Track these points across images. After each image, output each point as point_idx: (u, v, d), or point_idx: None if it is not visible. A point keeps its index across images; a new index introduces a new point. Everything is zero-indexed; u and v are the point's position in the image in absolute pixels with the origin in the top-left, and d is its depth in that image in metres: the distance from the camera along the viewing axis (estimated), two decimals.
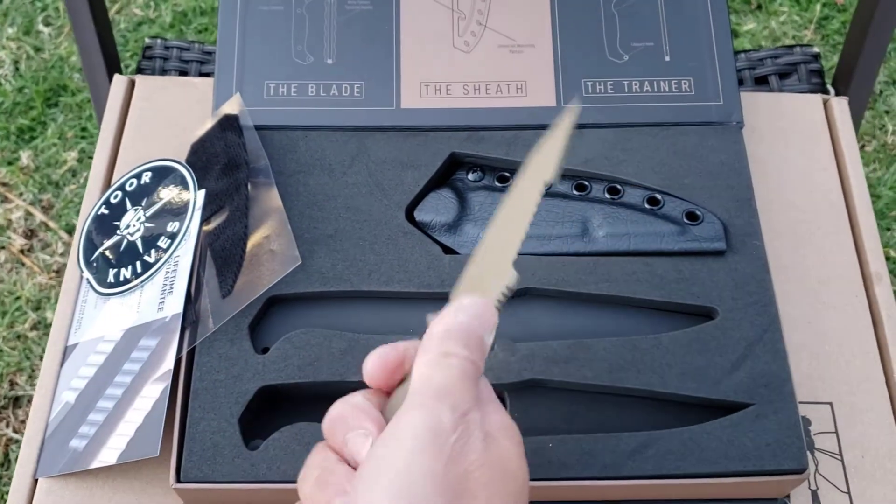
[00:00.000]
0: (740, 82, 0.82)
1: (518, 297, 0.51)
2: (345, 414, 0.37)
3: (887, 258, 1.25)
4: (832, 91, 0.79)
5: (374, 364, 0.38)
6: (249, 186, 0.51)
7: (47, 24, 1.37)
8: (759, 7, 1.46)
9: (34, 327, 1.17)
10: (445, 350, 0.36)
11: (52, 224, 1.24)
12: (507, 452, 0.35)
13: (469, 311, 0.37)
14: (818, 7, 1.44)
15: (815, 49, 0.84)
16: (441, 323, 0.37)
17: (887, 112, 1.37)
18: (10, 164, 1.27)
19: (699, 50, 0.57)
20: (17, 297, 1.19)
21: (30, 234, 1.24)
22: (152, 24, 1.37)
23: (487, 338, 0.37)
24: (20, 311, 1.18)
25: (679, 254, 0.51)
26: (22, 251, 1.22)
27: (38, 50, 1.35)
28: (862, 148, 1.35)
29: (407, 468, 0.32)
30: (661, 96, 0.56)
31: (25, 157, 1.27)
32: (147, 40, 0.80)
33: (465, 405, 0.34)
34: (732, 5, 1.45)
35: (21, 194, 1.25)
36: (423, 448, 0.32)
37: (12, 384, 1.14)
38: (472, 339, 0.36)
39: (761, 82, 0.82)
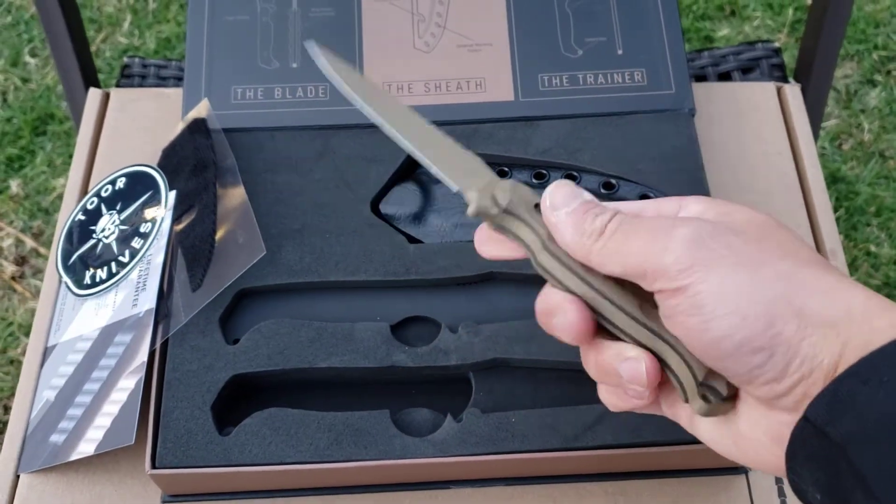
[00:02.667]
0: (704, 79, 0.84)
1: (482, 281, 0.53)
2: None
3: (867, 253, 1.27)
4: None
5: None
6: (217, 185, 0.53)
7: (34, 56, 1.40)
8: (733, 13, 1.49)
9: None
10: (591, 231, 0.36)
11: (42, 250, 1.25)
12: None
13: (559, 202, 0.37)
14: (790, 11, 1.47)
15: (776, 44, 0.86)
16: (563, 232, 0.37)
17: (863, 111, 1.40)
18: (0, 192, 1.29)
19: (650, 42, 0.60)
20: (10, 323, 1.20)
21: (21, 260, 1.26)
22: (137, 52, 1.39)
23: (587, 195, 0.38)
24: (13, 337, 1.20)
25: None
26: (13, 278, 1.24)
27: (25, 81, 1.38)
28: (839, 146, 1.37)
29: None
30: (615, 87, 0.58)
31: (15, 185, 1.29)
32: (125, 59, 0.83)
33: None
34: (707, 12, 1.48)
35: (11, 222, 1.27)
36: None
37: (6, 409, 1.15)
38: (588, 208, 0.37)
39: (724, 78, 0.84)
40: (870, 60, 1.43)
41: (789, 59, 1.35)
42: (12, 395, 1.16)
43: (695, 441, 0.47)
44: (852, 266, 1.26)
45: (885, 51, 1.44)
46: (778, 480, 0.51)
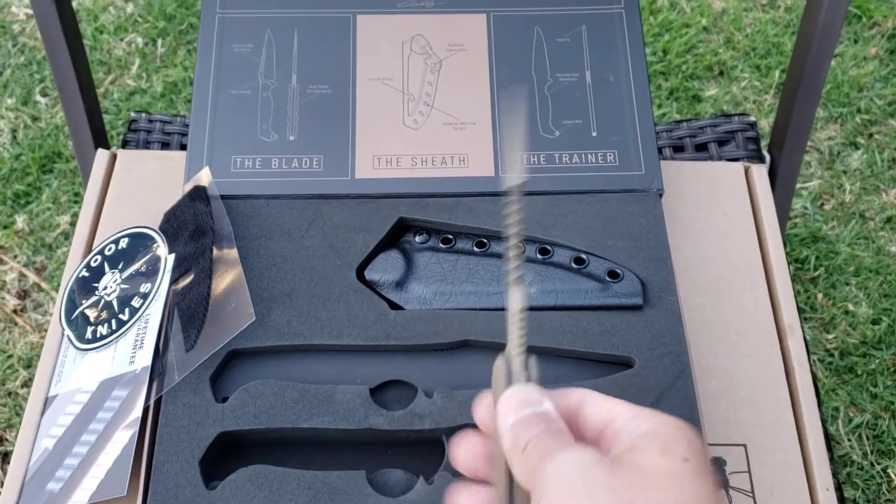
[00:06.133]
0: (682, 149, 0.88)
1: (457, 348, 0.57)
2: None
3: (846, 312, 1.30)
4: (767, 157, 0.86)
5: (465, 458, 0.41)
6: (214, 251, 0.57)
7: (44, 95, 1.45)
8: (722, 73, 1.54)
9: (25, 384, 1.22)
10: (518, 445, 0.37)
11: (44, 285, 1.29)
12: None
13: (505, 413, 0.39)
14: (777, 73, 1.52)
15: (752, 118, 0.91)
16: (503, 439, 0.38)
17: (845, 172, 1.44)
18: (5, 227, 1.33)
19: (623, 126, 0.64)
20: (9, 356, 1.24)
21: (23, 294, 1.29)
22: (144, 94, 1.44)
23: (542, 407, 0.38)
24: (12, 369, 1.23)
25: (601, 308, 0.57)
26: (15, 311, 1.27)
27: (35, 119, 1.43)
28: (821, 206, 1.41)
29: None
30: (589, 167, 0.63)
31: (21, 220, 1.33)
32: (132, 114, 0.87)
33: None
34: (696, 72, 1.53)
35: (15, 256, 1.31)
36: None
37: (2, 440, 1.18)
38: (532, 421, 0.38)
39: (701, 149, 0.88)
40: (853, 123, 1.48)
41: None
42: (9, 426, 1.20)
43: None
44: (830, 324, 1.29)
45: (868, 114, 1.49)
46: None
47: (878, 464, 1.18)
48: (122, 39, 1.51)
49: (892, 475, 1.17)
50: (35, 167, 1.37)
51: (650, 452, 0.36)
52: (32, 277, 1.29)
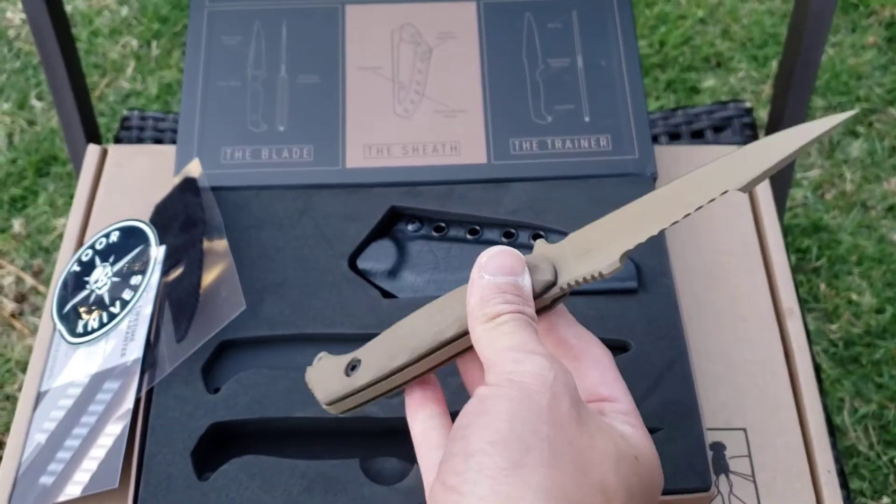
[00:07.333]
0: (678, 136, 0.88)
1: None
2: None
3: (849, 301, 1.30)
4: None
5: None
6: (204, 241, 0.56)
7: (40, 99, 1.44)
8: (719, 64, 1.53)
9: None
10: (486, 312, 0.36)
11: (41, 288, 1.29)
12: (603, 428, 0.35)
13: (489, 268, 0.37)
14: (774, 63, 1.51)
15: (748, 104, 0.90)
16: (471, 294, 0.37)
17: (845, 161, 1.43)
18: (2, 231, 1.33)
19: (616, 110, 0.63)
20: (7, 360, 1.23)
21: (20, 298, 1.29)
22: (139, 96, 1.44)
23: (522, 281, 0.38)
24: (10, 373, 1.22)
25: (595, 293, 0.56)
26: (12, 315, 1.27)
27: (31, 123, 1.42)
28: (822, 196, 1.41)
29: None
30: (582, 152, 0.62)
31: (18, 224, 1.33)
32: (125, 112, 0.87)
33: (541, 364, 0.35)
34: (693, 63, 1.53)
35: (13, 260, 1.31)
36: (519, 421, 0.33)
37: (1, 444, 1.18)
38: (506, 289, 0.37)
39: (698, 136, 0.88)
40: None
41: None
42: (7, 430, 1.19)
43: None
44: (834, 314, 1.28)
45: (868, 102, 1.48)
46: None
47: (885, 454, 1.17)
48: (116, 42, 1.50)
49: None
50: (31, 171, 1.37)
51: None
52: (30, 281, 1.29)
